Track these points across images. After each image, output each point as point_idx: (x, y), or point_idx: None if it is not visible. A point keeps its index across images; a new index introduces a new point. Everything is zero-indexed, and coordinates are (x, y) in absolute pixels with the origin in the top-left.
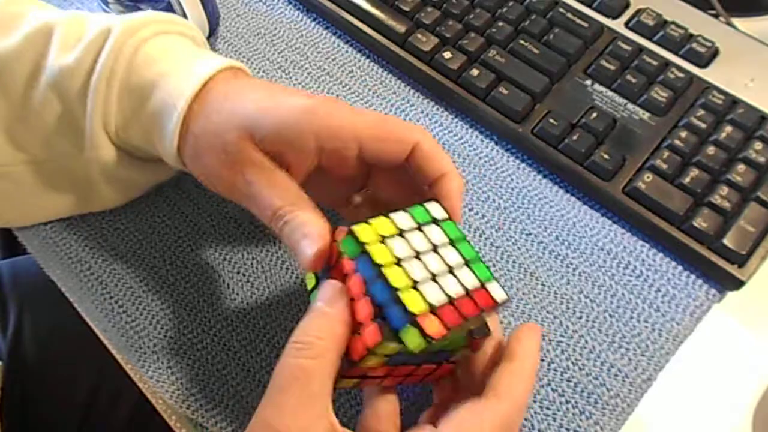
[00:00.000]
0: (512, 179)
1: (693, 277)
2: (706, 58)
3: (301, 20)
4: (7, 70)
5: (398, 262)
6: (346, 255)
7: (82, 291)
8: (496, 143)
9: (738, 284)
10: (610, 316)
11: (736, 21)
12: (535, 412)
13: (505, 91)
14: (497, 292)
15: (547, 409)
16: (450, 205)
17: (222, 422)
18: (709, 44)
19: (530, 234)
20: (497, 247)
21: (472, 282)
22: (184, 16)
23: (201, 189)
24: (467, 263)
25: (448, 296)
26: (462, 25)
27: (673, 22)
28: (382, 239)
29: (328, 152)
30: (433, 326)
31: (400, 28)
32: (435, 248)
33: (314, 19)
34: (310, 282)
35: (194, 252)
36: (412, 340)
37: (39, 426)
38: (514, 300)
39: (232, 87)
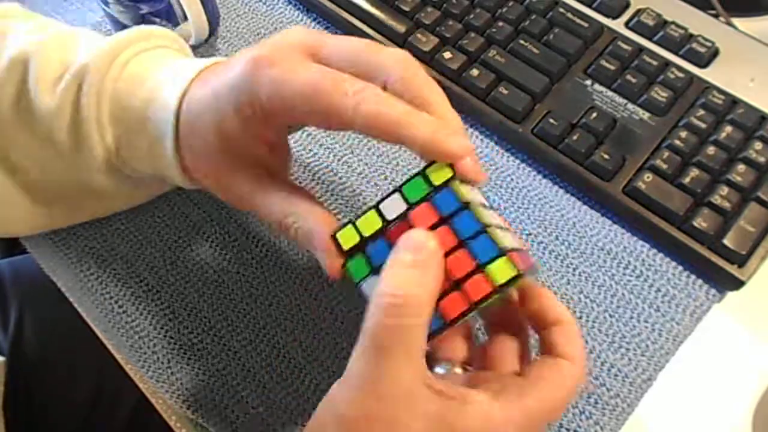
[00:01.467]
0: (512, 179)
1: (693, 277)
2: (706, 58)
3: (301, 20)
4: None
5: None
6: (416, 198)
7: (82, 291)
8: (496, 143)
9: (738, 284)
10: (610, 316)
11: (736, 21)
12: None
13: (505, 91)
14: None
15: None
16: (440, 156)
17: (222, 422)
18: (709, 44)
19: (530, 234)
20: None
21: (515, 240)
22: (184, 16)
23: (201, 189)
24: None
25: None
26: (462, 25)
27: (673, 22)
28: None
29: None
30: (516, 256)
31: (400, 28)
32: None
33: (314, 19)
34: (368, 224)
35: (194, 252)
36: (504, 272)
37: (40, 425)
38: None
39: (201, 90)
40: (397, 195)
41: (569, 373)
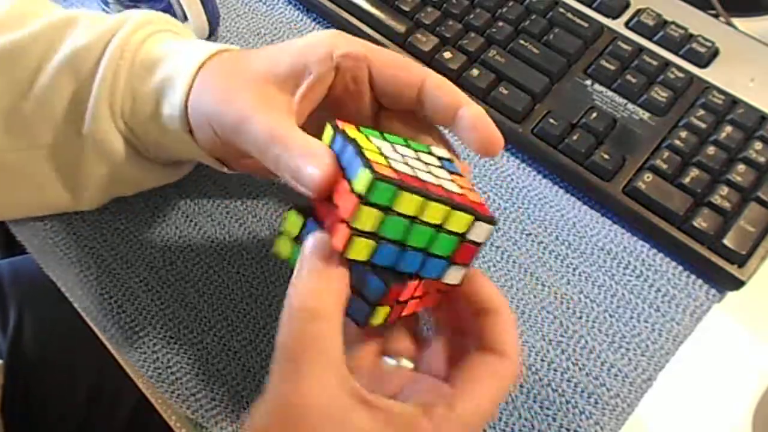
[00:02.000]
0: (512, 179)
1: (693, 277)
2: (706, 58)
3: (301, 20)
4: (18, 56)
5: (378, 150)
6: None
7: (82, 291)
8: None
9: (738, 284)
10: (610, 316)
11: (736, 21)
12: (536, 412)
13: (505, 91)
14: (481, 207)
15: (547, 409)
16: (480, 134)
17: (222, 422)
18: (709, 44)
19: (530, 234)
20: (497, 247)
21: (453, 188)
22: (184, 16)
23: (201, 189)
24: (460, 186)
25: (415, 173)
26: (462, 25)
27: (673, 22)
28: (367, 137)
29: (342, 74)
30: (385, 170)
31: (400, 28)
32: (421, 160)
33: (314, 19)
34: (293, 224)
35: (194, 252)
36: (362, 178)
37: (39, 425)
38: (514, 300)
39: (244, 51)
40: None
41: (501, 371)
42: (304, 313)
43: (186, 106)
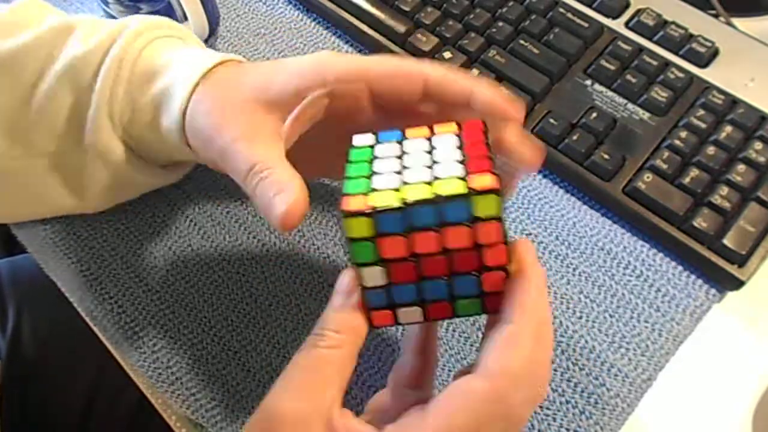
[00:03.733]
0: None
1: (693, 277)
2: (706, 58)
3: (301, 20)
4: (18, 63)
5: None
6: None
7: (82, 291)
8: None
9: (738, 284)
10: (610, 316)
11: (736, 21)
12: (535, 412)
13: (504, 92)
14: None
15: (547, 409)
16: (500, 112)
17: (222, 422)
18: (709, 44)
19: (530, 234)
20: None
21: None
22: (184, 16)
23: (201, 189)
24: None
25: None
26: (462, 25)
27: (673, 22)
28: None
29: (339, 97)
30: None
31: (400, 28)
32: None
33: (314, 19)
34: (359, 228)
35: (194, 252)
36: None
37: (38, 426)
38: None
39: (241, 66)
40: None
41: (473, 392)
42: (314, 339)
43: (183, 122)
